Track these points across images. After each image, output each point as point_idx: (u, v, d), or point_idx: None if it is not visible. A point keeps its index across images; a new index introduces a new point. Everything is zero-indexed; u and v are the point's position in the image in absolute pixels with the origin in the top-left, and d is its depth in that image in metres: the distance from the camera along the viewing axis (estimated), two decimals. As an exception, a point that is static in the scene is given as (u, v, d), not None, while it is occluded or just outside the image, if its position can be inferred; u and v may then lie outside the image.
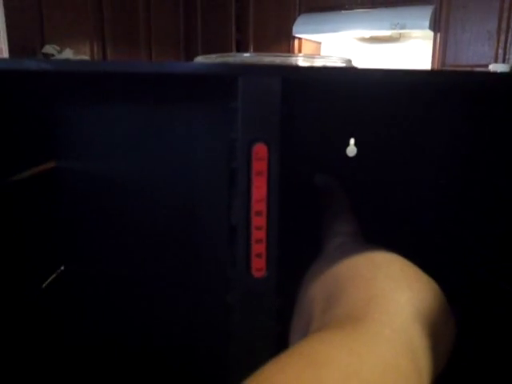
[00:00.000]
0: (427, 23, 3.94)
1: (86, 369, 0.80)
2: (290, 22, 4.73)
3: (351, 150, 0.74)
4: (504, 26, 3.80)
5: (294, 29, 4.65)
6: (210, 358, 0.71)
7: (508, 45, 3.80)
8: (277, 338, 0.56)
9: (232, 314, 0.55)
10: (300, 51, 4.75)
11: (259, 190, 0.50)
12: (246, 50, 4.91)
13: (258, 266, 0.53)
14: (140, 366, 0.80)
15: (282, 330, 0.57)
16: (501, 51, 3.81)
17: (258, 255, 0.53)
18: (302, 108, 0.60)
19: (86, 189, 0.78)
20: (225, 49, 4.93)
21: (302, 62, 0.71)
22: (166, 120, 0.66)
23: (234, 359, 0.56)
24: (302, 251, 0.63)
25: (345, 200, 0.61)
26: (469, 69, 3.82)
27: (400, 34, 4.46)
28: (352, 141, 0.74)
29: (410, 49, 4.62)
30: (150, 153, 0.68)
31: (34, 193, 0.77)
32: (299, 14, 4.69)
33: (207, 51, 4.69)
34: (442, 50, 4.11)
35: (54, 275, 0.80)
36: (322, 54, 4.99)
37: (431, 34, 4.14)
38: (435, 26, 4.08)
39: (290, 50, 4.76)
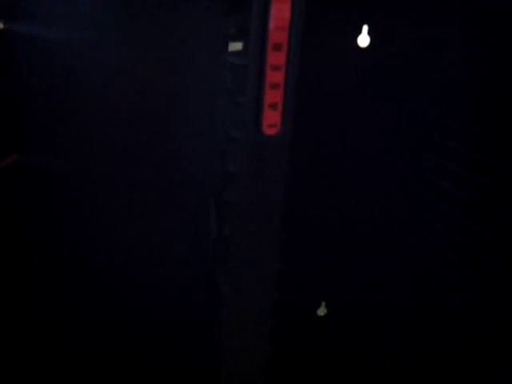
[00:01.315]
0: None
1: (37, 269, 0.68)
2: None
3: (364, 38, 0.64)
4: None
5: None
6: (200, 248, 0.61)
7: None
8: (283, 214, 0.45)
9: (234, 185, 0.43)
10: None
11: (281, 13, 0.38)
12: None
13: (272, 121, 0.42)
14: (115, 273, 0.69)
15: (289, 208, 0.47)
16: None
17: (273, 106, 0.42)
18: None
19: (44, 58, 0.63)
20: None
21: None
22: None
23: (237, 242, 0.45)
24: (321, 109, 0.53)
25: None
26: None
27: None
28: (365, 28, 0.64)
29: None
30: None
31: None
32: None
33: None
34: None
35: (3, 163, 0.66)
36: None
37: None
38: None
39: None
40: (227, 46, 0.43)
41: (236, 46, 0.42)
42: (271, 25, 0.39)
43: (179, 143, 0.63)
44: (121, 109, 0.64)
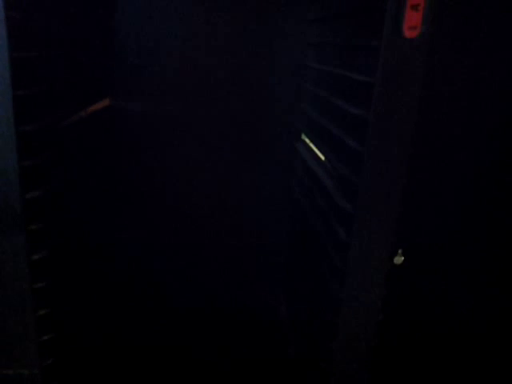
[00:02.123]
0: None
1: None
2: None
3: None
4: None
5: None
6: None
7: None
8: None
9: (367, 98, 0.43)
10: None
11: None
12: None
13: (412, 23, 0.42)
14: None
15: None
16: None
17: (415, 7, 0.42)
18: None
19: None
20: None
21: None
22: None
23: (367, 157, 0.45)
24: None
25: None
26: None
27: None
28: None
29: None
30: None
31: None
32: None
33: None
34: None
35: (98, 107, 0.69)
36: None
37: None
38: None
39: None
40: None
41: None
42: None
43: (269, 87, 0.63)
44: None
